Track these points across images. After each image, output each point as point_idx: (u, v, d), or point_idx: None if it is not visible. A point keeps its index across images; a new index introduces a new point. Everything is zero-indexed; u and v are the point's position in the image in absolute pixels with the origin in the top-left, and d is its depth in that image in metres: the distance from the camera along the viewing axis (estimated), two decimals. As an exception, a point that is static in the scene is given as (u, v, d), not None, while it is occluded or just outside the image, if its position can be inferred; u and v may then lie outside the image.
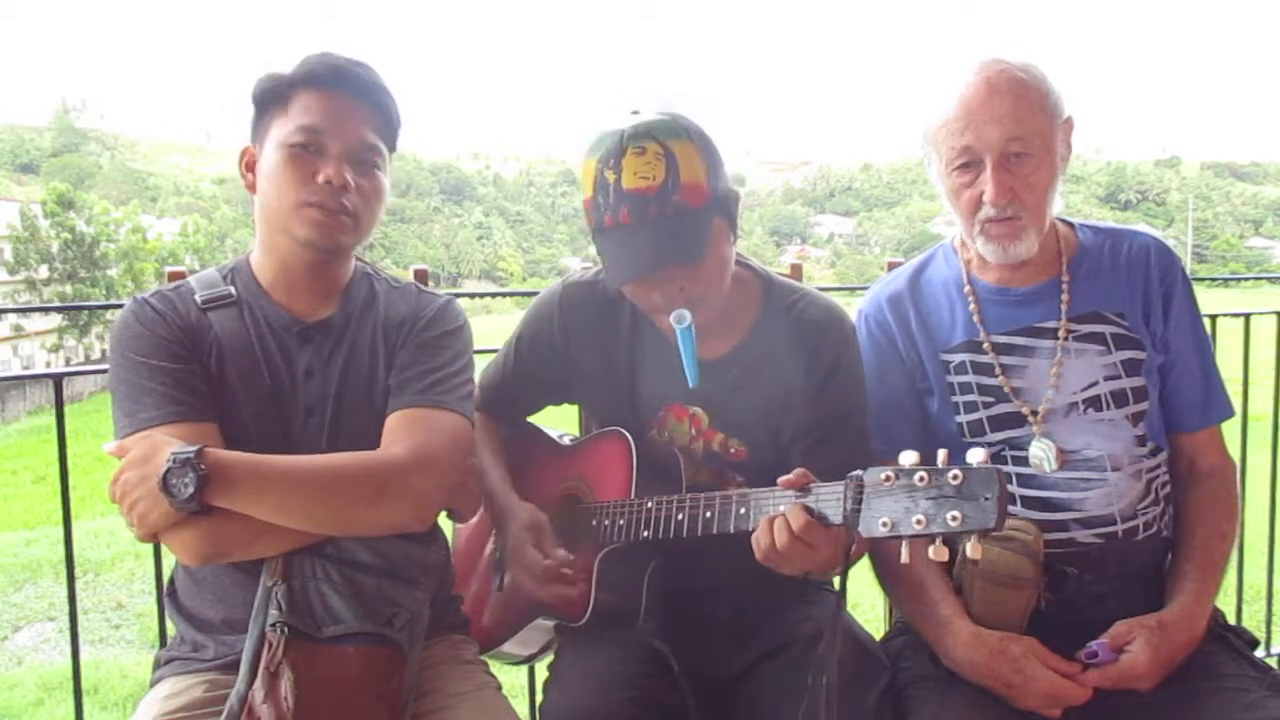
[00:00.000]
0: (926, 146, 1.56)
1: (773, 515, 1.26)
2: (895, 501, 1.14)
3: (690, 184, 1.38)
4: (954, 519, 1.09)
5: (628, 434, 1.54)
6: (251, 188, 1.45)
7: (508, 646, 1.66)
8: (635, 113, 1.44)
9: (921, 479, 1.12)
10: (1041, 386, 1.53)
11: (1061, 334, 1.54)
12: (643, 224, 1.38)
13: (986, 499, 1.08)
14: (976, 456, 1.10)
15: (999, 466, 1.50)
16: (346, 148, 1.39)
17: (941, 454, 1.13)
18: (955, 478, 1.10)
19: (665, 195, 1.37)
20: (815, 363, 1.51)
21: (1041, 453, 1.51)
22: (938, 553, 1.11)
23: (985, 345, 1.56)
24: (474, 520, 1.76)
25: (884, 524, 1.14)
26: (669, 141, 1.38)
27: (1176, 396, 1.57)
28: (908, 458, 1.15)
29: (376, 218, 1.47)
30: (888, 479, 1.15)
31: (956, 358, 1.58)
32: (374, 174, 1.43)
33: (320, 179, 1.37)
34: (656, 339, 1.56)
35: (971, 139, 1.46)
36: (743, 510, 1.33)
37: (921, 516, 1.11)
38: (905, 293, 1.65)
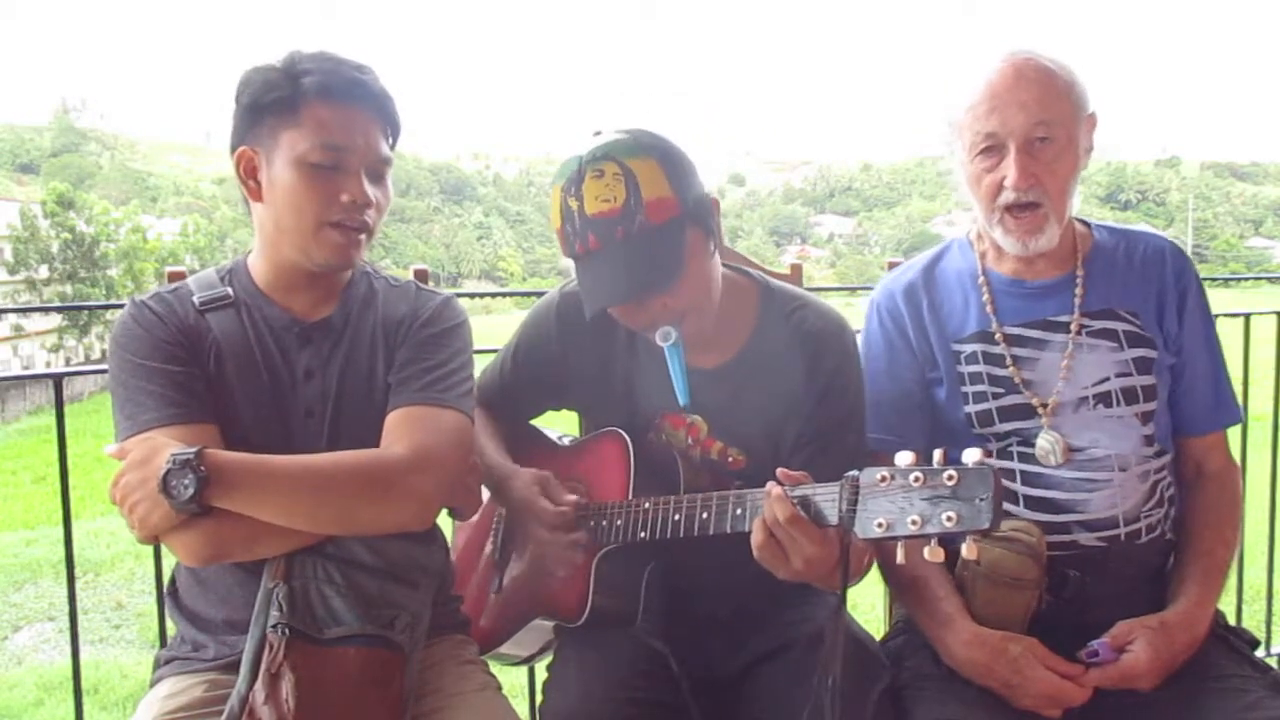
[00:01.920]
0: (950, 134, 1.56)
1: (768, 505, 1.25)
2: (891, 502, 1.13)
3: (654, 201, 1.35)
4: (949, 519, 1.08)
5: (626, 435, 1.54)
6: (256, 196, 1.40)
7: (507, 647, 1.66)
8: (597, 134, 1.42)
9: (917, 479, 1.12)
10: (1052, 379, 1.53)
11: (1074, 328, 1.53)
12: (611, 248, 1.36)
13: (981, 499, 1.07)
14: (972, 457, 1.10)
15: (994, 465, 1.52)
16: (365, 163, 1.38)
17: (937, 454, 1.13)
18: (950, 478, 1.09)
19: (629, 216, 1.35)
20: (815, 372, 1.50)
21: (1048, 444, 1.51)
22: (933, 554, 1.11)
23: (997, 336, 1.56)
24: (473, 520, 1.77)
25: (879, 524, 1.13)
26: (626, 160, 1.36)
27: (1187, 399, 1.57)
28: (903, 458, 1.14)
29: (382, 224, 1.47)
30: (883, 479, 1.15)
31: (968, 348, 1.58)
32: (385, 184, 1.43)
33: (345, 199, 1.36)
34: (653, 348, 1.55)
35: (996, 124, 1.46)
36: (739, 511, 1.33)
37: (917, 517, 1.10)
38: (919, 283, 1.65)
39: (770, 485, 1.25)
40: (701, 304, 1.44)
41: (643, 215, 1.35)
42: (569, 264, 1.46)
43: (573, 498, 1.49)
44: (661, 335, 1.41)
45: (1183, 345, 1.56)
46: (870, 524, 1.14)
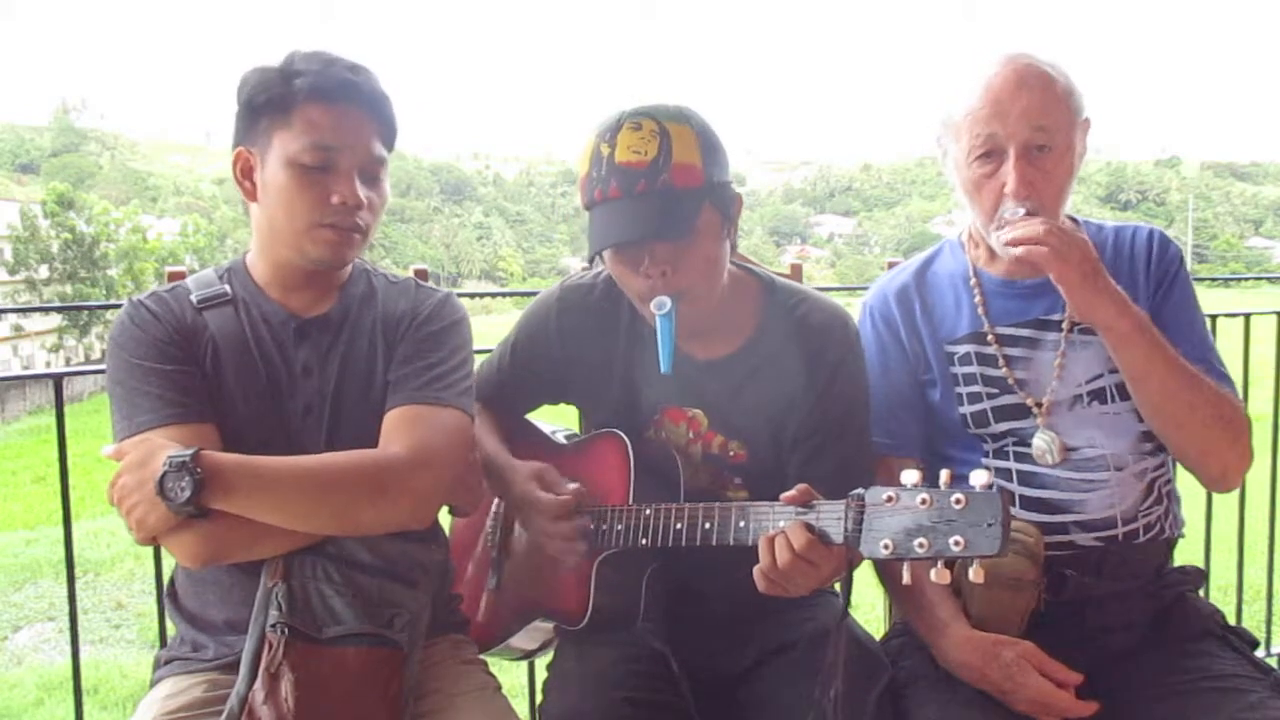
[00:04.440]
0: (945, 136, 1.55)
1: (772, 534, 1.25)
2: (897, 523, 1.13)
3: (682, 165, 1.38)
4: (957, 544, 1.08)
5: (625, 436, 1.54)
6: (251, 196, 1.41)
7: (508, 642, 1.66)
8: (644, 100, 1.45)
9: (924, 501, 1.11)
10: (1046, 378, 1.53)
11: (1065, 326, 1.53)
12: (629, 198, 1.38)
13: (990, 524, 1.07)
14: (979, 479, 1.09)
15: (993, 465, 1.52)
16: (357, 164, 1.38)
17: (944, 475, 1.12)
18: (958, 502, 1.09)
19: (655, 172, 1.37)
20: (818, 366, 1.50)
21: (1045, 444, 1.51)
22: (940, 575, 1.11)
23: (989, 337, 1.56)
24: (471, 516, 1.77)
25: (886, 546, 1.13)
26: (666, 122, 1.39)
27: None
28: (909, 477, 1.14)
29: (379, 224, 1.47)
30: (889, 499, 1.14)
31: (961, 349, 1.58)
32: (380, 185, 1.43)
33: (336, 200, 1.36)
34: (653, 341, 1.55)
35: (997, 127, 1.45)
36: (742, 523, 1.33)
37: (924, 540, 1.10)
38: (911, 285, 1.65)
39: (776, 527, 1.25)
40: (702, 288, 1.44)
41: (667, 174, 1.37)
42: (569, 263, 1.47)
43: (574, 485, 1.49)
44: (657, 304, 1.41)
45: (1164, 328, 1.53)
46: (876, 545, 1.14)
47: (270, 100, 1.36)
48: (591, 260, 1.48)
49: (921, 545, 1.10)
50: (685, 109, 1.44)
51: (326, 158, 1.35)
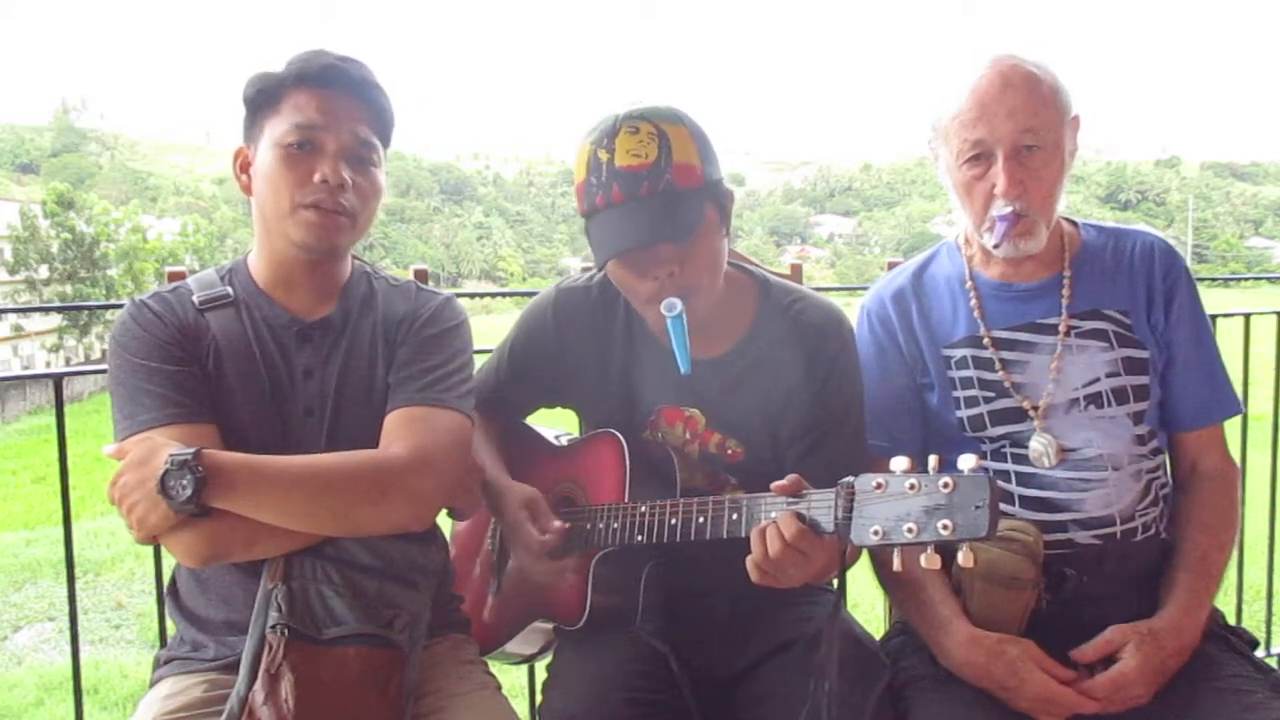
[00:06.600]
0: (935, 140, 1.56)
1: (763, 525, 1.25)
2: (887, 509, 1.13)
3: (682, 165, 1.38)
4: (945, 528, 1.08)
5: (620, 435, 1.54)
6: (247, 189, 1.44)
7: (507, 647, 1.66)
8: (633, 104, 1.45)
9: (912, 486, 1.11)
10: (1042, 382, 1.52)
11: (1062, 330, 1.53)
12: (634, 201, 1.38)
13: (978, 507, 1.07)
14: (968, 463, 1.09)
15: (990, 467, 1.52)
16: (342, 145, 1.39)
17: (933, 460, 1.12)
18: (946, 485, 1.09)
19: (658, 173, 1.37)
20: (814, 364, 1.51)
21: (1041, 447, 1.51)
22: (929, 561, 1.11)
23: (986, 341, 1.56)
24: (472, 520, 1.76)
25: (875, 532, 1.13)
26: (662, 124, 1.39)
27: (1178, 395, 1.57)
28: (899, 464, 1.14)
29: (374, 215, 1.46)
30: (879, 486, 1.14)
31: (958, 353, 1.58)
32: (370, 171, 1.43)
33: (317, 178, 1.37)
34: (650, 342, 1.55)
35: (984, 131, 1.46)
36: (735, 516, 1.33)
37: (913, 525, 1.10)
38: (908, 289, 1.65)
39: (768, 518, 1.25)
40: (704, 285, 1.44)
41: (670, 175, 1.37)
42: (569, 263, 1.47)
43: (558, 524, 1.48)
44: (666, 306, 1.41)
45: (1171, 341, 1.55)
46: (866, 531, 1.14)
47: (261, 92, 1.40)
48: (601, 267, 1.47)
49: (910, 530, 1.10)
50: (676, 110, 1.44)
51: (309, 136, 1.37)
